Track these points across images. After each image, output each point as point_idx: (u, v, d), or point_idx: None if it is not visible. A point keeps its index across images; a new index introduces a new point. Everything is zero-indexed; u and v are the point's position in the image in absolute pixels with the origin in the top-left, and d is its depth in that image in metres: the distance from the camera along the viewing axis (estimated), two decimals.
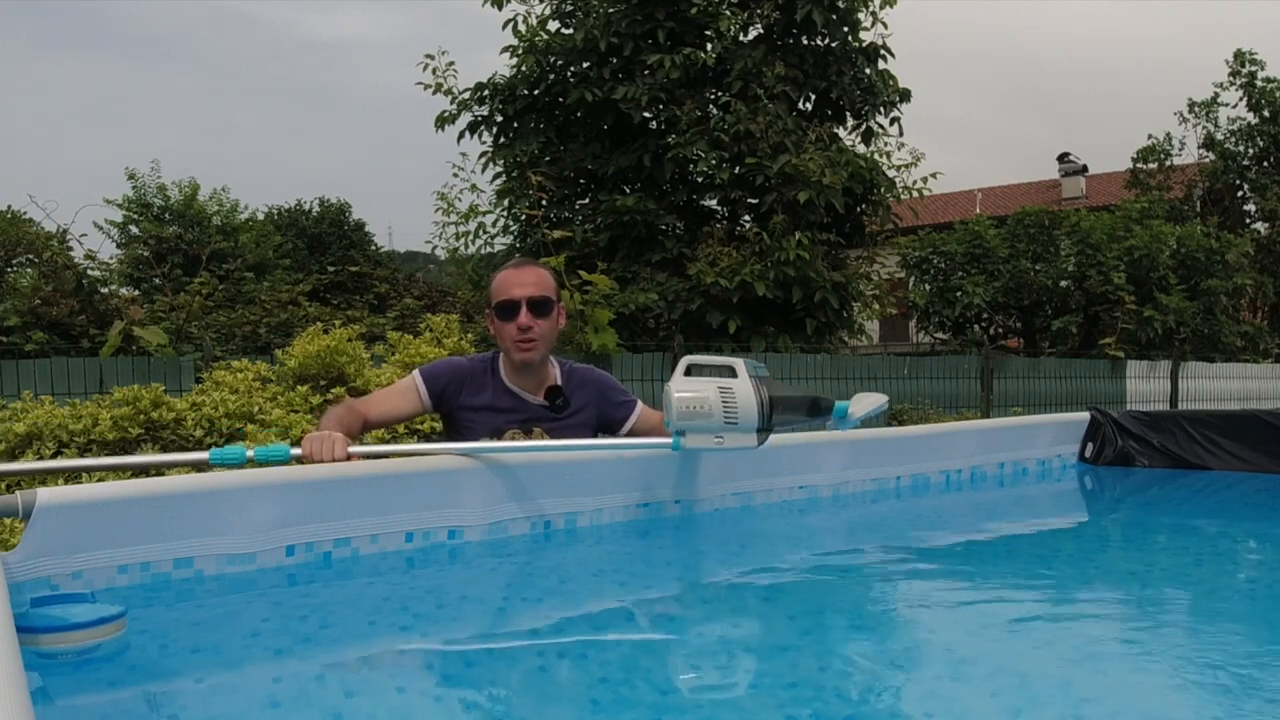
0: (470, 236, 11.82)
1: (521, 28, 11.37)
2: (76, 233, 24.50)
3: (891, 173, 11.61)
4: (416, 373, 2.54)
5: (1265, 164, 19.04)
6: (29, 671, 0.99)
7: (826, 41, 11.30)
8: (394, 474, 1.98)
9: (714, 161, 10.43)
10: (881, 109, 11.65)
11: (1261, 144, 18.94)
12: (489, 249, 11.89)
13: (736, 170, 10.39)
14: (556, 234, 9.39)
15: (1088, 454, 3.60)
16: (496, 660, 1.49)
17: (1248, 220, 19.38)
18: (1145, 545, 2.62)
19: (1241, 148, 19.14)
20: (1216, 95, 19.17)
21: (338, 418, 2.29)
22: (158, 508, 1.68)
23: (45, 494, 1.57)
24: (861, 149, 11.55)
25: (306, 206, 24.41)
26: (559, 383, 2.56)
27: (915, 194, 11.90)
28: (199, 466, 1.94)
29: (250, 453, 1.93)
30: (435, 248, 13.21)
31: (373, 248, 24.57)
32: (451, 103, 11.47)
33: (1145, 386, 13.09)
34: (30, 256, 11.03)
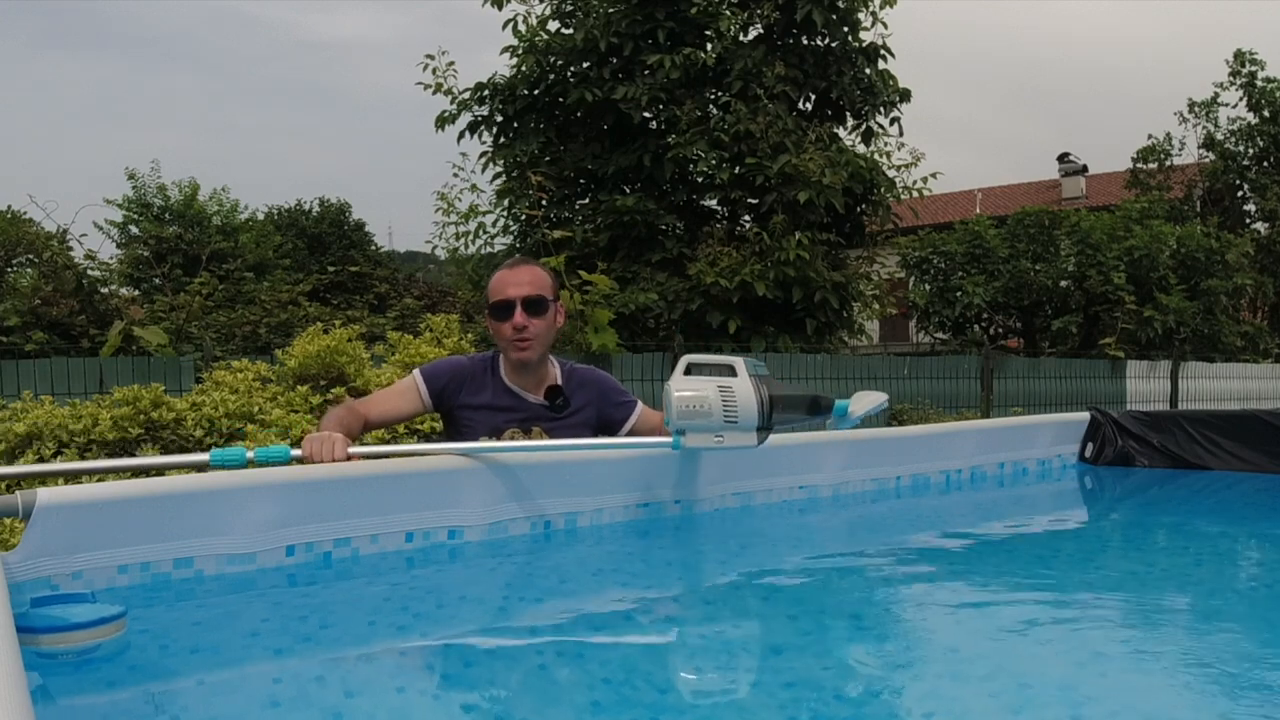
0: (470, 236, 11.84)
1: (521, 28, 11.38)
2: (76, 233, 24.55)
3: (891, 173, 11.62)
4: (417, 372, 2.55)
5: (1265, 164, 19.05)
6: (29, 671, 0.98)
7: (826, 41, 11.30)
8: (394, 474, 1.98)
9: (714, 161, 10.43)
10: (881, 109, 11.65)
11: (1261, 144, 18.94)
12: (489, 249, 11.90)
13: (736, 170, 10.39)
14: (556, 234, 9.39)
15: (1088, 454, 3.60)
16: (496, 660, 1.49)
17: (1248, 220, 19.39)
18: (1145, 545, 2.62)
19: (1241, 148, 19.14)
20: (1216, 95, 19.19)
21: (338, 418, 2.29)
22: (158, 508, 1.68)
23: (45, 494, 1.57)
24: (861, 149, 11.56)
25: (306, 206, 24.44)
26: (559, 382, 2.56)
27: (915, 194, 11.90)
28: (199, 467, 1.93)
29: (250, 454, 1.93)
30: (435, 248, 13.23)
31: (373, 248, 24.57)
32: (451, 103, 11.48)
33: (1145, 386, 13.09)
34: (30, 256, 11.03)
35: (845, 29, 11.19)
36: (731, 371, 2.11)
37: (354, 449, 2.05)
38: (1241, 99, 18.97)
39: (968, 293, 14.35)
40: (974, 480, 3.16)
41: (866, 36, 11.41)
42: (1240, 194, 19.45)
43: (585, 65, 11.13)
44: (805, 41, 11.33)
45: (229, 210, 22.22)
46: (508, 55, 11.38)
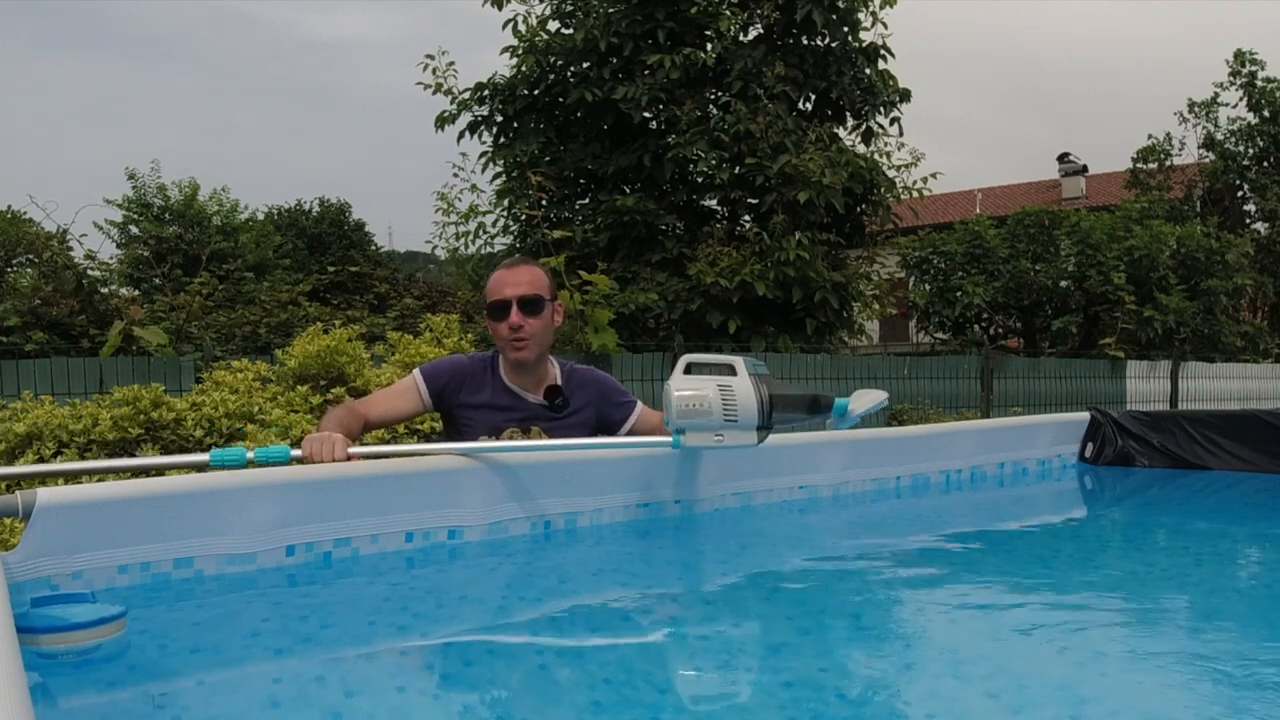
0: (470, 236, 11.84)
1: (521, 28, 11.38)
2: (76, 233, 24.56)
3: (891, 173, 11.63)
4: (416, 371, 2.55)
5: (1265, 164, 19.05)
6: (29, 671, 0.98)
7: (826, 41, 11.30)
8: (394, 474, 1.98)
9: (714, 161, 10.43)
10: (881, 109, 11.65)
11: (1261, 144, 18.94)
12: (489, 249, 11.90)
13: (736, 170, 10.39)
14: (556, 234, 9.39)
15: (1088, 454, 3.60)
16: (496, 660, 1.49)
17: (1248, 220, 19.39)
18: (1145, 545, 2.62)
19: (1241, 148, 19.14)
20: (1216, 95, 19.19)
21: (338, 419, 2.29)
22: (158, 508, 1.68)
23: (45, 494, 1.57)
24: (861, 149, 11.56)
25: (306, 206, 24.44)
26: (558, 382, 2.56)
27: (915, 194, 11.90)
28: (199, 467, 1.93)
29: (250, 454, 1.93)
30: (435, 248, 13.24)
31: (373, 248, 24.57)
32: (451, 103, 11.48)
33: (1145, 386, 13.09)
34: (30, 256, 11.03)
35: (845, 29, 11.20)
36: (731, 371, 2.11)
37: (354, 449, 2.05)
38: (1241, 99, 18.98)
39: (968, 293, 14.35)
40: (974, 480, 3.16)
41: (866, 36, 11.44)
42: (1240, 194, 19.46)
43: (585, 65, 11.13)
44: (805, 41, 11.33)
45: (229, 210, 22.23)
46: (508, 55, 11.40)
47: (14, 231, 11.29)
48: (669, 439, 2.10)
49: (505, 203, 11.56)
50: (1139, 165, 19.55)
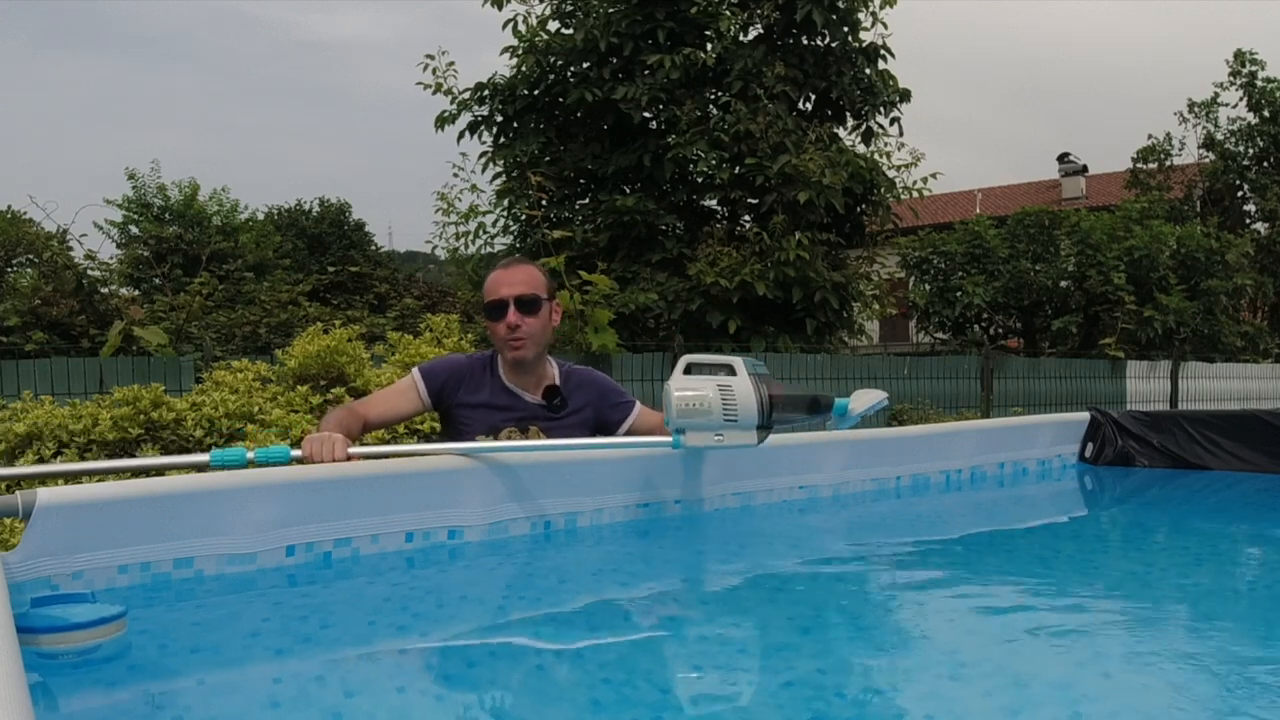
0: (470, 236, 11.85)
1: (521, 28, 11.38)
2: (76, 233, 24.57)
3: (891, 173, 11.63)
4: (415, 371, 2.55)
5: (1265, 164, 19.05)
6: (29, 671, 0.98)
7: (826, 41, 11.30)
8: (394, 474, 1.98)
9: (714, 161, 10.43)
10: (881, 109, 11.66)
11: (1261, 144, 18.95)
12: (489, 249, 11.90)
13: (736, 170, 10.39)
14: (556, 234, 9.39)
15: (1088, 454, 3.60)
16: (496, 660, 1.49)
17: (1248, 220, 19.39)
18: (1145, 545, 2.62)
19: (1241, 148, 19.14)
20: (1216, 95, 19.20)
21: (338, 419, 2.30)
22: (158, 508, 1.68)
23: (45, 494, 1.57)
24: (861, 149, 11.56)
25: (306, 206, 24.44)
26: (557, 382, 2.56)
27: (915, 194, 11.90)
28: (199, 468, 1.94)
29: (250, 454, 1.93)
30: (435, 248, 13.24)
31: (373, 248, 24.58)
32: (451, 103, 11.49)
33: (1145, 386, 13.10)
34: (30, 256, 11.03)
35: (845, 29, 11.20)
36: (731, 371, 2.11)
37: (354, 449, 2.05)
38: (1241, 99, 18.98)
39: (968, 293, 14.35)
40: (974, 480, 3.16)
41: (866, 36, 11.44)
42: (1240, 194, 19.46)
43: (585, 65, 11.13)
44: (805, 41, 11.33)
45: (229, 210, 22.24)
46: (508, 55, 11.41)
47: (14, 231, 11.29)
48: (669, 439, 2.10)
49: (505, 203, 11.57)
50: (1139, 165, 19.56)
